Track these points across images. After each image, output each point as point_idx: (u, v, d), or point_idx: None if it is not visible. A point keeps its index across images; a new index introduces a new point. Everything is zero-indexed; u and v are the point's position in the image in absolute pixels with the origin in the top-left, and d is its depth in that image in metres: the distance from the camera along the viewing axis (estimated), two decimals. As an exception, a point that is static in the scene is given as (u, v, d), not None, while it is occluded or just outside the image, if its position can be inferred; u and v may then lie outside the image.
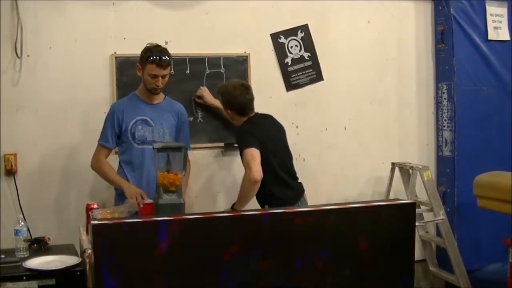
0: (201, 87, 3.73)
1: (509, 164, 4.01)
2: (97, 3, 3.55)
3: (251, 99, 3.34)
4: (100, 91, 3.57)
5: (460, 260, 3.88)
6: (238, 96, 3.30)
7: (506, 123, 4.25)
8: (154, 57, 3.08)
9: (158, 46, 3.15)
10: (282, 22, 3.95)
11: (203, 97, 3.71)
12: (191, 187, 3.61)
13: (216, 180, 3.86)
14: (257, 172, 3.07)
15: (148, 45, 3.16)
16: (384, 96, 4.22)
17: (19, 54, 3.40)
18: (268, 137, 3.29)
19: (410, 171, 3.96)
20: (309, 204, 3.41)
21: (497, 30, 4.27)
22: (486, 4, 4.23)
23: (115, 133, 3.19)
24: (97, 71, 3.56)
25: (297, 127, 3.99)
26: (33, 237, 3.02)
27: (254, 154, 3.12)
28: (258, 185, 3.10)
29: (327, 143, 4.09)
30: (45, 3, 3.45)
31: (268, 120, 3.43)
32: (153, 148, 2.91)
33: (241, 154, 3.22)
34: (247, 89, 3.34)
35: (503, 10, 4.29)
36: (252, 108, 3.36)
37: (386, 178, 4.10)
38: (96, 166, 3.22)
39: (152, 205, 2.84)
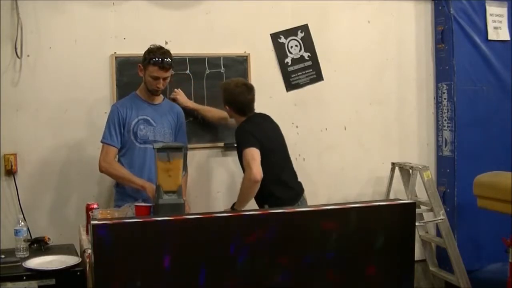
0: (175, 90, 3.61)
1: (509, 164, 4.01)
2: (97, 3, 3.55)
3: (251, 100, 3.33)
4: (100, 91, 3.57)
5: (460, 260, 3.88)
6: (239, 94, 3.29)
7: (506, 123, 4.26)
8: (156, 59, 3.08)
9: (160, 48, 3.15)
10: (282, 22, 3.95)
11: (177, 100, 3.59)
12: (189, 187, 3.62)
13: (216, 180, 3.86)
14: (258, 172, 3.08)
15: (151, 47, 3.16)
16: (384, 96, 4.22)
17: (19, 54, 3.40)
18: (267, 136, 3.29)
19: (410, 171, 3.96)
20: (308, 204, 3.41)
21: (497, 30, 4.27)
22: (486, 4, 4.24)
23: (120, 133, 3.18)
24: (97, 71, 3.56)
25: (297, 127, 3.99)
26: (33, 237, 3.02)
27: (255, 154, 3.12)
28: (259, 185, 3.10)
29: (327, 143, 4.09)
30: (45, 3, 3.45)
31: (266, 120, 3.43)
32: (153, 148, 2.92)
33: (240, 153, 3.22)
34: (249, 89, 3.33)
35: (503, 10, 4.29)
36: (251, 109, 3.35)
37: (386, 178, 4.10)
38: (110, 168, 3.16)
39: (148, 208, 2.83)
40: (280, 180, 3.29)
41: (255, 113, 3.39)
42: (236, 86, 3.32)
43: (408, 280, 2.35)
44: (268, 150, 3.22)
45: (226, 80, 3.56)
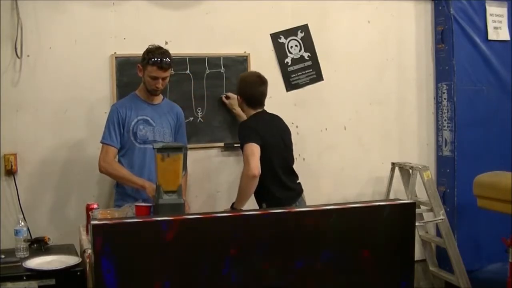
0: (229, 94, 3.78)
1: (509, 164, 4.01)
2: (97, 3, 3.55)
3: (262, 93, 3.36)
4: (100, 91, 3.57)
5: (460, 260, 3.88)
6: (249, 84, 3.35)
7: (506, 123, 4.26)
8: (155, 59, 3.08)
9: (159, 48, 3.15)
10: (282, 22, 3.95)
11: (231, 98, 3.73)
12: (189, 187, 3.62)
13: (216, 180, 3.86)
14: (255, 168, 3.08)
15: (150, 47, 3.16)
16: (384, 96, 4.22)
17: (19, 54, 3.40)
18: (271, 135, 3.29)
19: (410, 171, 3.96)
20: (309, 204, 3.41)
21: (497, 30, 4.27)
22: (486, 4, 4.24)
23: (120, 133, 3.19)
24: (97, 71, 3.56)
25: (297, 127, 3.98)
26: (33, 237, 3.02)
27: (254, 149, 3.13)
28: (256, 181, 3.10)
29: (327, 143, 4.09)
30: (45, 3, 3.45)
31: (274, 120, 3.44)
32: (153, 148, 2.92)
33: (242, 148, 3.23)
34: (262, 82, 3.37)
35: (503, 10, 4.29)
36: (261, 103, 3.38)
37: (386, 178, 4.10)
38: (110, 168, 3.16)
39: (148, 208, 2.83)
40: (279, 179, 3.29)
41: (266, 112, 3.40)
42: (250, 76, 3.42)
43: (408, 280, 2.36)
44: (269, 148, 3.22)
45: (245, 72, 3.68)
